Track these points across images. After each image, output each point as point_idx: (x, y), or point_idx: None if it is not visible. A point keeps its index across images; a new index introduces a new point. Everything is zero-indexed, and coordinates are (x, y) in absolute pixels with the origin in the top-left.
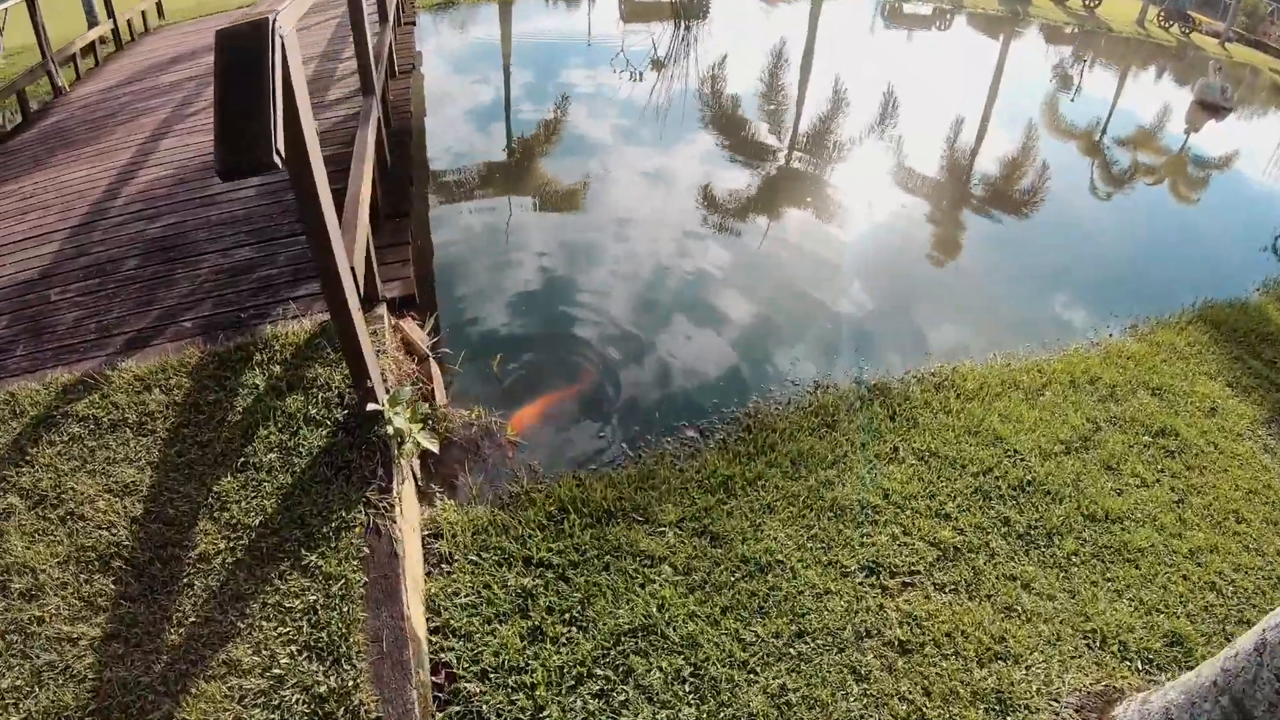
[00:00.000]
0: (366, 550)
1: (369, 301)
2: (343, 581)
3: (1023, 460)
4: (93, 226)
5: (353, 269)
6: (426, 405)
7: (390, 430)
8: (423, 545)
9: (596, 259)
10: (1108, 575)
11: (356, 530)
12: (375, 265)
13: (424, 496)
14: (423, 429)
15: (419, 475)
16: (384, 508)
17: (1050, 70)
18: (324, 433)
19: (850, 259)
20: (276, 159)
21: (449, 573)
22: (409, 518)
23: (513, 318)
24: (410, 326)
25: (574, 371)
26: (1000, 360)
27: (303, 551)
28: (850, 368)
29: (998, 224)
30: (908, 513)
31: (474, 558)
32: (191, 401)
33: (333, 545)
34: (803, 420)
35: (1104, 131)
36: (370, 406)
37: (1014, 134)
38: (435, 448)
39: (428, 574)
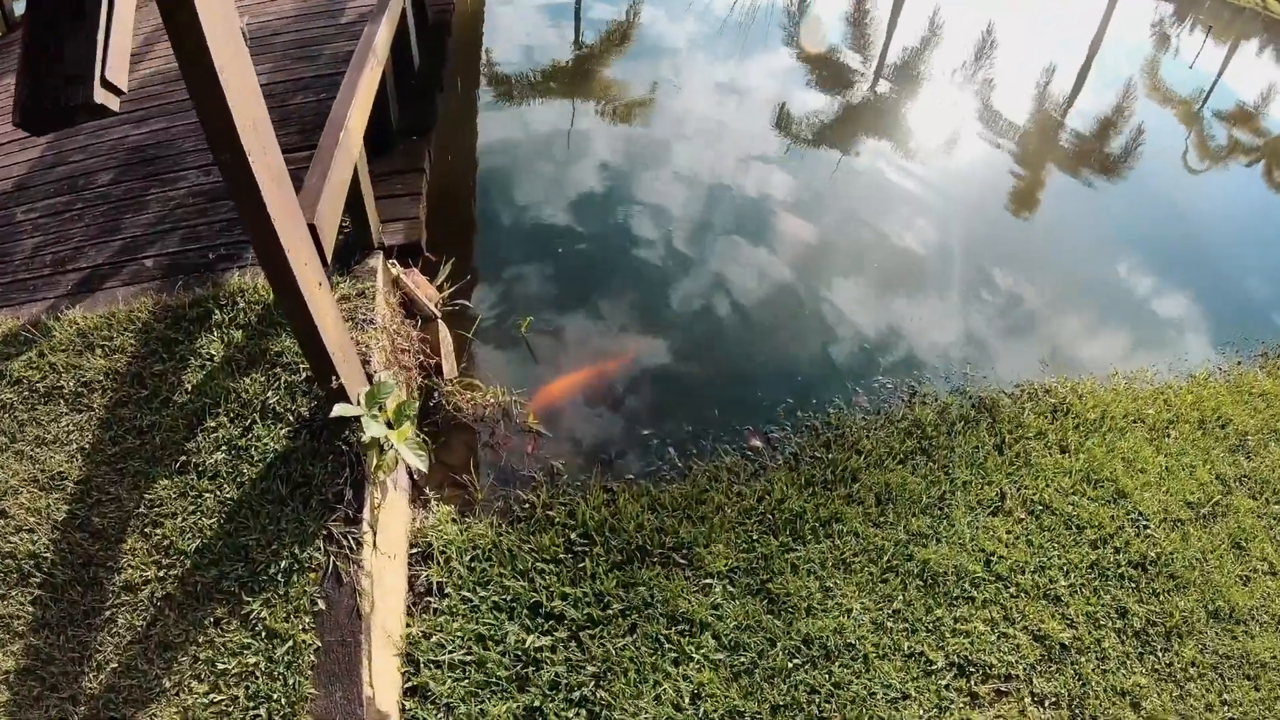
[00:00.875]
0: (322, 604)
1: (358, 251)
2: (290, 644)
3: (1146, 528)
4: (78, 129)
5: (314, 227)
6: (425, 380)
7: (365, 439)
8: (408, 565)
9: (657, 192)
10: (1225, 696)
11: (311, 576)
12: (371, 203)
13: (418, 496)
14: (410, 438)
15: (413, 469)
16: (349, 545)
17: (1153, 31)
18: (283, 431)
19: (932, 208)
20: (103, 97)
21: (437, 611)
22: (391, 534)
23: (552, 264)
24: (415, 280)
25: (619, 342)
26: (1123, 382)
27: (244, 596)
28: (945, 361)
29: (1087, 186)
30: (1012, 589)
31: (469, 594)
32: (135, 371)
33: (281, 592)
34: (893, 440)
35: (1205, 102)
36: (338, 410)
37: (1110, 91)
38: (423, 465)
39: (411, 607)
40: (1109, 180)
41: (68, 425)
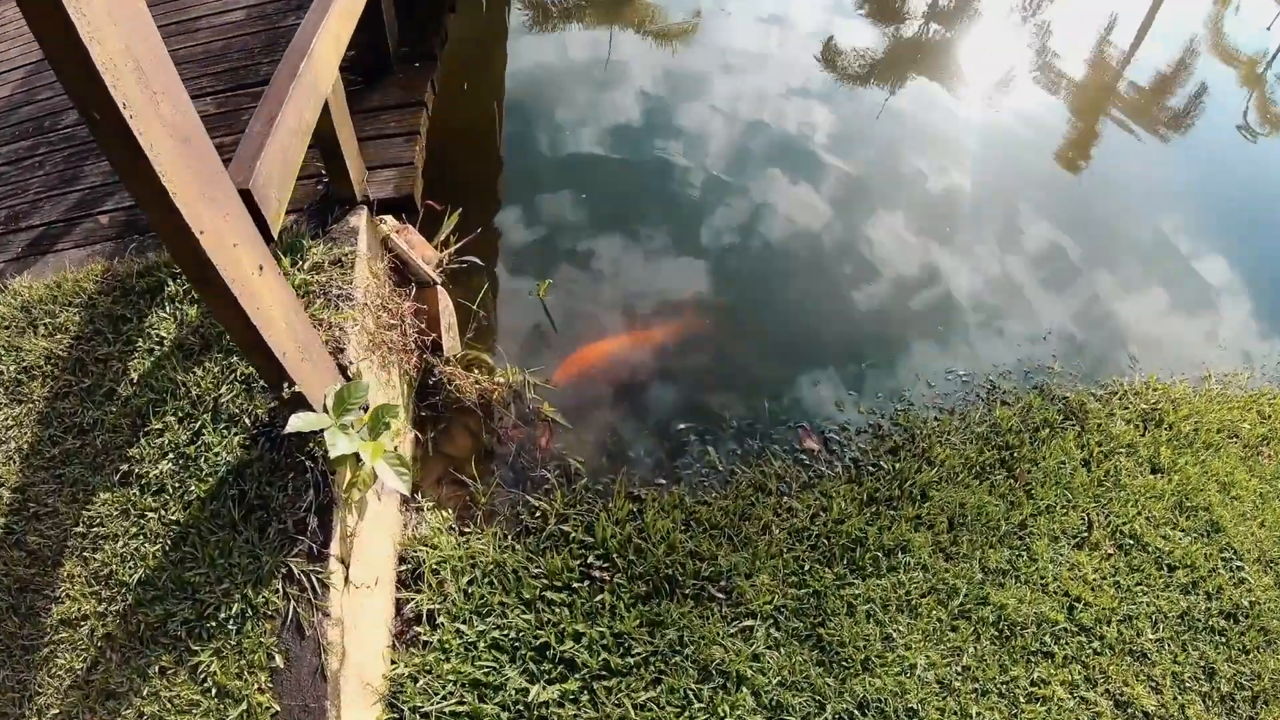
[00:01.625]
0: (280, 660)
1: (336, 206)
2: (244, 707)
3: (1240, 569)
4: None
5: (249, 194)
6: (421, 359)
7: (332, 454)
8: (396, 583)
9: (700, 132)
10: None
11: (267, 626)
12: (351, 147)
13: (411, 498)
14: (390, 451)
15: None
16: (313, 588)
17: None
18: (237, 439)
19: (985, 158)
20: None
21: (427, 645)
22: (375, 554)
23: (581, 214)
24: (410, 239)
25: (654, 311)
26: (1216, 387)
27: (192, 643)
28: (1022, 347)
29: (1141, 143)
30: (1096, 644)
31: (465, 627)
32: (78, 356)
33: (233, 642)
34: (969, 449)
35: (1269, 64)
36: (295, 423)
37: (1172, 47)
38: (405, 487)
39: (398, 638)
40: (1173, 138)
41: (6, 419)
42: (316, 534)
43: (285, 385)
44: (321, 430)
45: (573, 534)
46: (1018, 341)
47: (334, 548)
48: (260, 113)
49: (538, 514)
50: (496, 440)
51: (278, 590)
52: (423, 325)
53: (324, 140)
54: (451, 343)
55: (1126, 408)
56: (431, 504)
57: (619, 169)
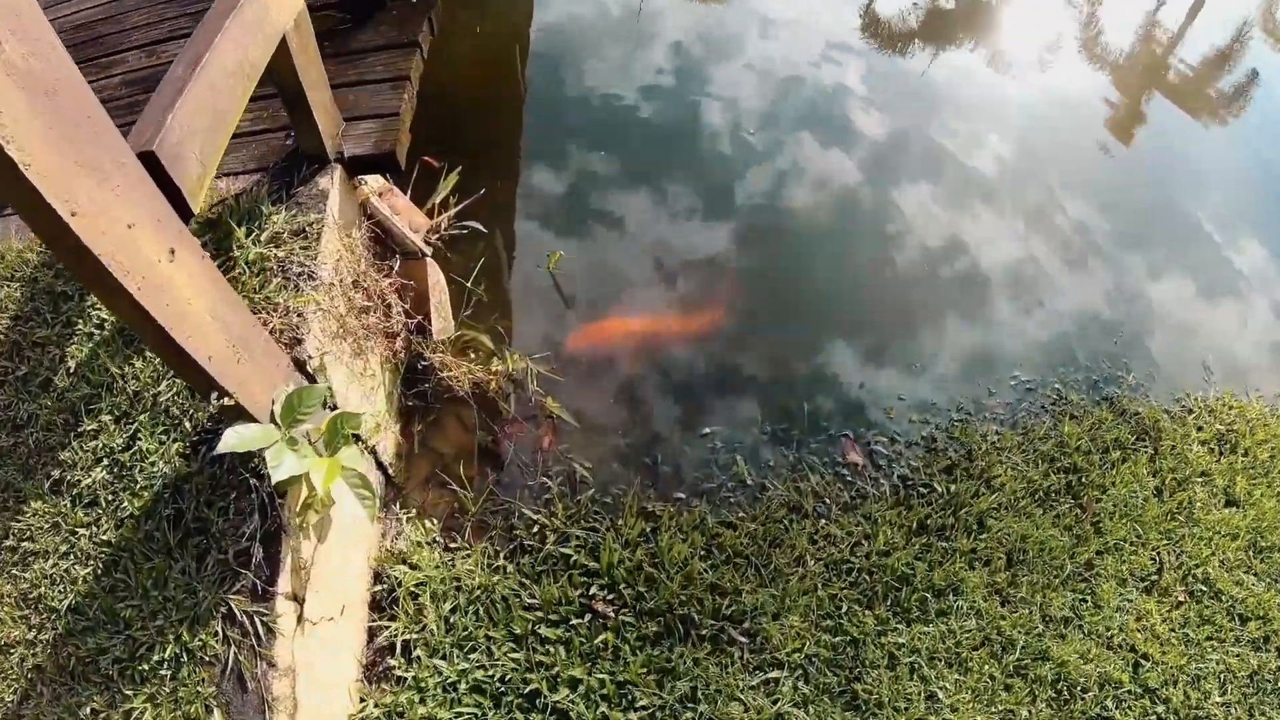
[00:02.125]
0: (219, 716)
1: (305, 164)
2: None
3: None
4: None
5: (153, 158)
6: (408, 341)
7: (275, 478)
8: (370, 604)
9: (737, 92)
10: None
11: (204, 674)
12: (320, 94)
13: (392, 501)
14: (349, 469)
15: (389, 464)
16: (256, 633)
17: None
18: (175, 446)
19: (1046, 136)
20: None
21: (401, 682)
22: (339, 577)
23: (599, 177)
24: (394, 204)
25: (681, 294)
26: None
27: (124, 685)
28: (1089, 350)
29: (1196, 125)
30: (1160, 708)
31: (445, 664)
32: (15, 338)
33: (168, 689)
34: (1032, 470)
35: None
36: (227, 441)
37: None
38: (369, 514)
39: (369, 670)
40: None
41: None
42: (261, 567)
43: (214, 394)
44: (265, 450)
45: (574, 557)
46: (1087, 344)
47: (282, 584)
48: (186, 52)
49: (535, 530)
50: (491, 439)
51: (216, 633)
52: (409, 303)
53: (285, 85)
54: (442, 324)
55: (1201, 428)
56: (414, 512)
57: (649, 128)
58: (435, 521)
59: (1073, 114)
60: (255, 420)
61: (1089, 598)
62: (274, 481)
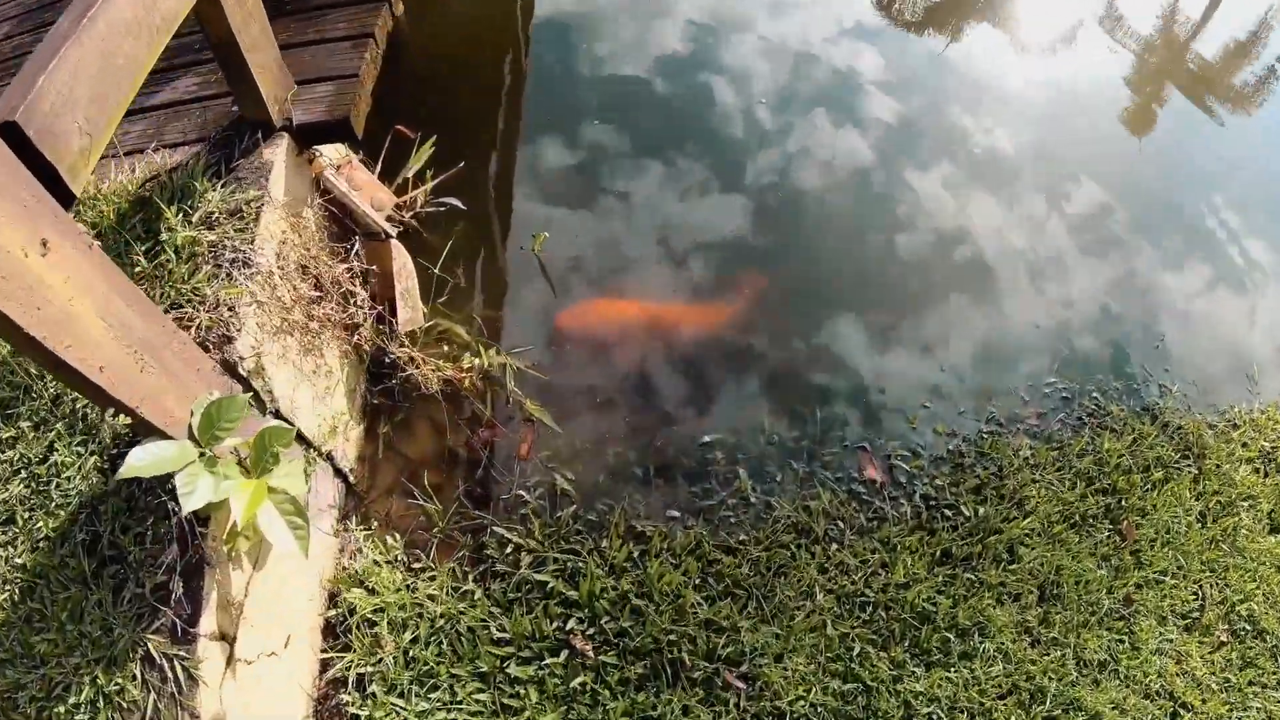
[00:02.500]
0: None
1: (247, 132)
2: None
3: None
4: None
5: (16, 129)
6: (375, 332)
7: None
8: (324, 630)
9: (752, 67)
10: None
11: None
12: (262, 54)
13: (351, 511)
14: (282, 492)
15: (349, 470)
16: (176, 680)
17: None
18: (92, 460)
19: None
20: None
21: None
22: (276, 613)
23: (599, 147)
24: (353, 177)
25: (682, 281)
26: None
27: None
28: (1126, 350)
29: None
30: None
31: (402, 705)
32: None
33: None
34: (1067, 490)
35: None
36: (130, 464)
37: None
38: (301, 547)
39: (319, 705)
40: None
41: None
42: (182, 604)
43: (110, 409)
44: (181, 473)
45: (551, 584)
46: (1127, 348)
47: (206, 623)
48: (73, 7)
49: (508, 550)
50: (464, 444)
51: (134, 676)
52: (372, 291)
53: (217, 42)
54: (409, 313)
55: (1246, 444)
56: (375, 526)
57: (654, 99)
58: (398, 537)
59: (1099, 102)
60: (166, 436)
61: (1127, 638)
62: (184, 511)
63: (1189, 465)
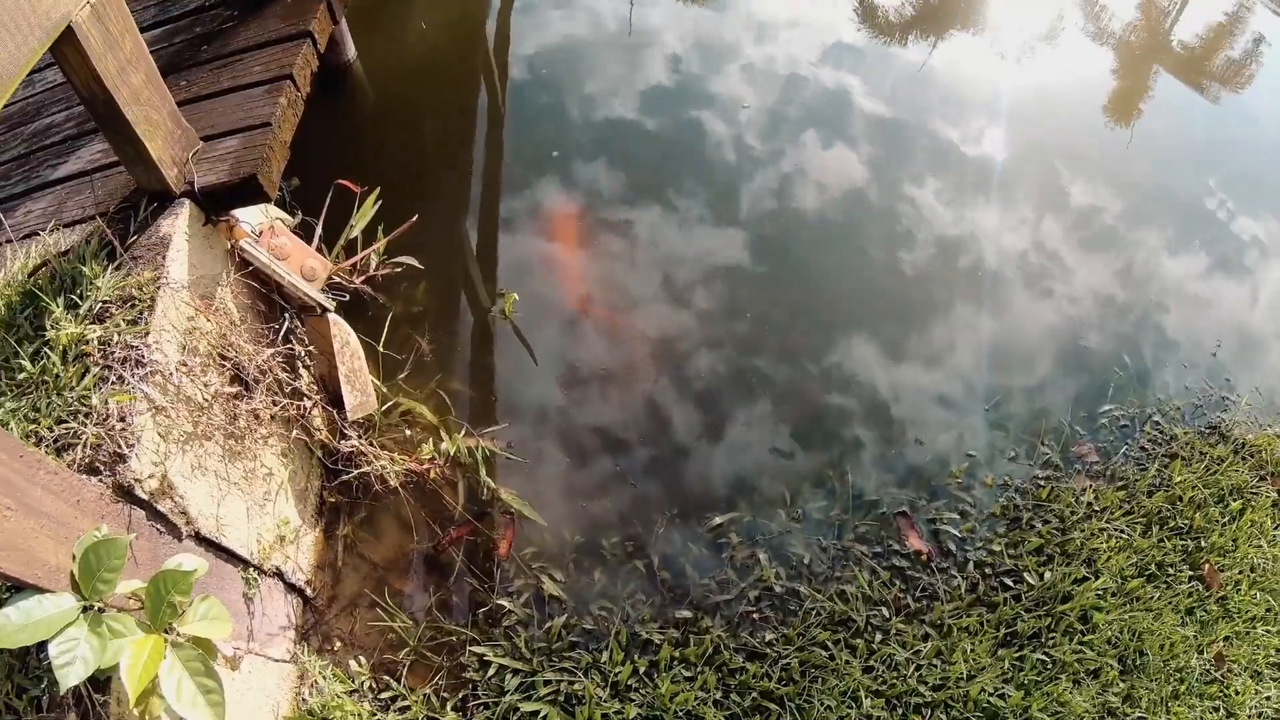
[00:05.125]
0: None
1: (146, 201)
2: None
3: None
4: None
5: None
6: (323, 424)
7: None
8: None
9: (737, 97)
10: None
11: None
12: (147, 112)
13: (311, 629)
14: (189, 650)
15: (303, 584)
16: None
17: None
18: None
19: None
20: None
21: None
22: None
23: (572, 188)
24: (279, 245)
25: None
26: None
27: None
28: (1192, 371)
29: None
30: None
31: None
32: None
33: None
34: (1139, 538)
35: None
36: (14, 619)
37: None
38: (218, 715)
39: None
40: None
41: None
42: None
43: None
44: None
45: (545, 713)
46: (1183, 361)
47: None
48: None
49: (491, 671)
50: (434, 545)
51: None
52: (319, 377)
53: (87, 93)
54: (358, 398)
55: None
56: (336, 648)
57: (637, 137)
58: (363, 661)
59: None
60: (43, 590)
61: (1221, 704)
62: (63, 689)
63: (1267, 488)
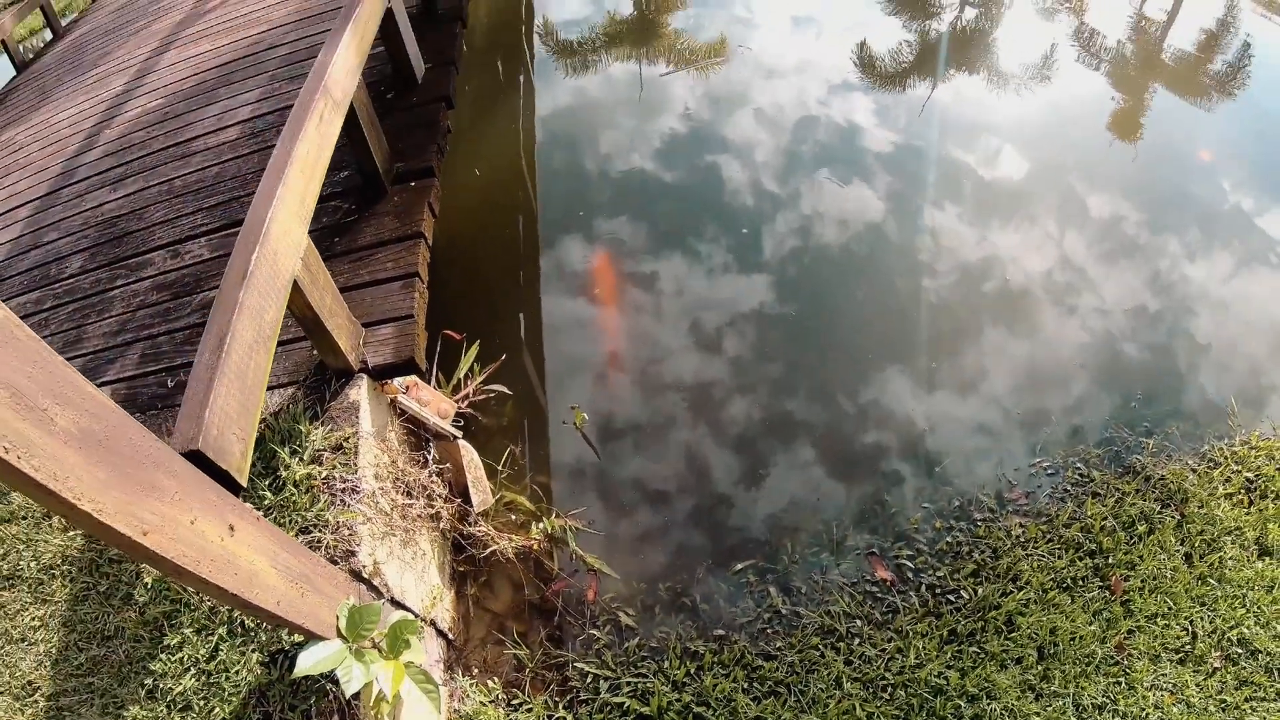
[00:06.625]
0: None
1: (333, 378)
2: None
3: None
4: (57, 196)
5: (201, 455)
6: (454, 516)
7: (348, 690)
8: None
9: (753, 199)
10: None
11: None
12: (338, 319)
13: (455, 663)
14: (414, 664)
15: (448, 630)
16: None
17: None
18: (255, 656)
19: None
20: None
21: None
22: None
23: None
24: (421, 397)
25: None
26: None
27: None
28: (1114, 417)
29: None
30: None
31: None
32: (91, 557)
33: None
34: (1057, 559)
35: None
36: (303, 665)
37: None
38: (436, 705)
39: None
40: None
41: (32, 620)
42: None
43: (285, 633)
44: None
45: (627, 704)
46: (1106, 412)
47: None
48: (209, 334)
49: (589, 679)
50: (540, 596)
51: None
52: (448, 484)
53: (303, 319)
54: (481, 496)
55: (1229, 479)
56: (475, 672)
57: (667, 257)
58: (496, 680)
59: (1068, 147)
60: (322, 637)
61: (1122, 680)
62: (347, 694)
63: (1170, 513)
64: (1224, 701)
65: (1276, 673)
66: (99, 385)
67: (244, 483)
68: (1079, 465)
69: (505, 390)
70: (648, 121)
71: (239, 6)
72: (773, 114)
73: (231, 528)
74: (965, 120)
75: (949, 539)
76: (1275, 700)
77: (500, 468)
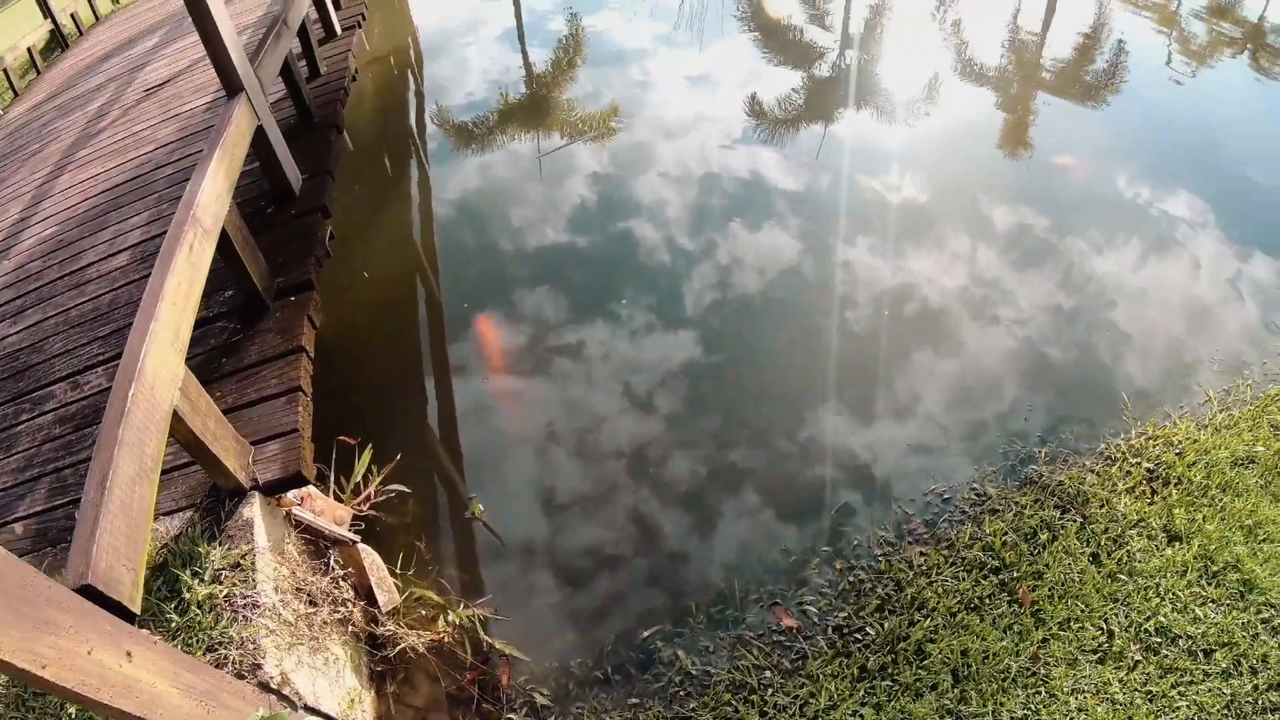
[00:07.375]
0: None
1: (225, 499)
2: None
3: None
4: None
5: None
6: (364, 618)
7: None
8: None
9: (657, 291)
10: None
11: None
12: (223, 442)
13: None
14: None
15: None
16: None
17: None
18: None
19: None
20: None
21: None
22: None
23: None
24: (315, 506)
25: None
26: (1218, 411)
27: None
28: (1003, 424)
29: (1091, 113)
30: None
31: None
32: (16, 691)
33: None
34: (962, 582)
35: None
36: None
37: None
38: None
39: None
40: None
41: None
42: None
43: None
44: None
45: None
46: (999, 428)
47: None
48: (92, 472)
49: None
50: (457, 686)
51: None
52: (353, 586)
53: (187, 444)
54: (387, 596)
55: (1128, 474)
56: None
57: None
58: None
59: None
60: None
61: (1041, 689)
62: None
63: (1072, 517)
64: (1150, 693)
65: (1201, 654)
66: (10, 521)
67: (138, 610)
68: (974, 485)
69: (404, 489)
70: (552, 193)
71: (128, 126)
72: (676, 172)
73: (129, 654)
74: (863, 153)
75: (850, 578)
76: (1204, 681)
77: (397, 568)
